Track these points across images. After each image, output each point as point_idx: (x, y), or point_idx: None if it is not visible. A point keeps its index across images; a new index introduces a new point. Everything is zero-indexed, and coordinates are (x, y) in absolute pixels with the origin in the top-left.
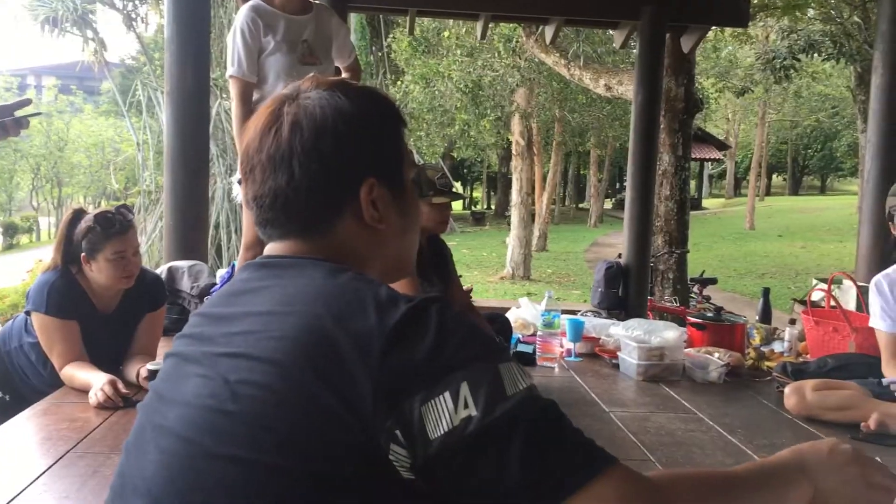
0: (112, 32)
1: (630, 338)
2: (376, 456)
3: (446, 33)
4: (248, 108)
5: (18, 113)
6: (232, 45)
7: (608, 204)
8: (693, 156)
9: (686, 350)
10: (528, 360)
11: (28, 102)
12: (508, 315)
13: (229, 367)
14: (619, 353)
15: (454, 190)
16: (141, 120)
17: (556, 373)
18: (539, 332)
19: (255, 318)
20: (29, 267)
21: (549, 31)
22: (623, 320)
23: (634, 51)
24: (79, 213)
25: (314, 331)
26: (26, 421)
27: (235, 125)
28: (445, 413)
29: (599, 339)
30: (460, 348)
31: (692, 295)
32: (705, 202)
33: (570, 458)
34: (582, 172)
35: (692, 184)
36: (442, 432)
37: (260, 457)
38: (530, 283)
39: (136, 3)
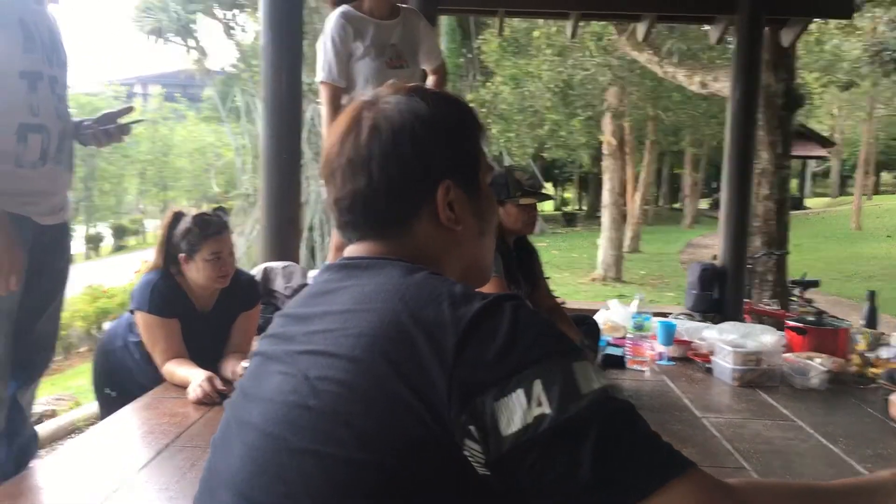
0: (212, 41)
1: (725, 342)
2: (451, 451)
3: (536, 33)
4: (337, 113)
5: (122, 120)
6: (322, 51)
7: (704, 204)
8: (795, 154)
9: (785, 355)
10: (618, 362)
11: (131, 110)
12: (597, 317)
13: (309, 364)
14: (712, 358)
15: (542, 191)
16: (239, 125)
17: (647, 376)
18: (629, 335)
19: (334, 316)
20: (136, 267)
21: (641, 29)
22: (718, 324)
23: (731, 46)
24: (178, 216)
25: (390, 327)
26: (130, 415)
27: (326, 129)
28: (518, 410)
29: (692, 342)
30: (534, 345)
31: (793, 298)
32: (808, 202)
33: (645, 460)
34: (676, 172)
35: (794, 183)
36: (515, 429)
37: (338, 451)
38: (622, 284)
39: (235, 11)
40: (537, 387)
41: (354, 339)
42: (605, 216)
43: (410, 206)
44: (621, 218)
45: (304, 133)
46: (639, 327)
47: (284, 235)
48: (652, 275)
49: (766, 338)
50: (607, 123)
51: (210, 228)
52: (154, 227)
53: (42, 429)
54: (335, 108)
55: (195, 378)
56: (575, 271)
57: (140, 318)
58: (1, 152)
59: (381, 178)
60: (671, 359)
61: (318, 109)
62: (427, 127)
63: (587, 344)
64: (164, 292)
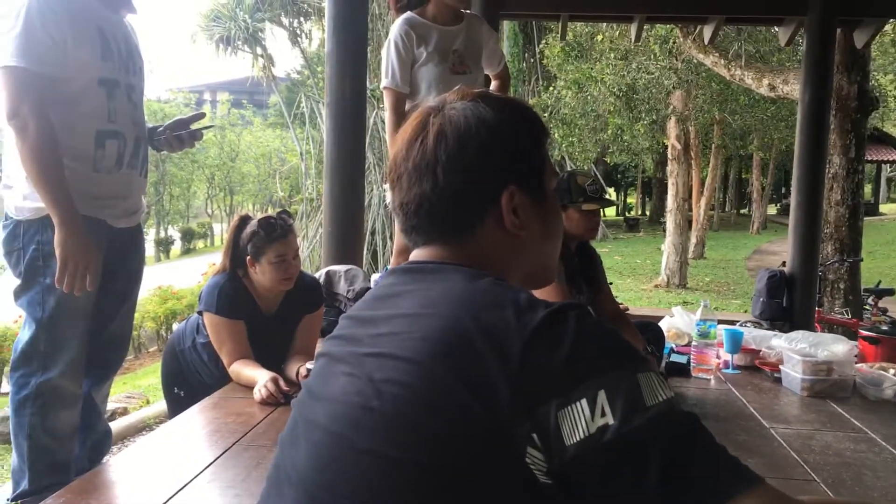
0: (279, 48)
1: (794, 350)
2: (513, 458)
3: (599, 37)
4: (401, 118)
5: (194, 126)
6: (386, 57)
7: (772, 209)
8: (869, 158)
9: (857, 365)
10: (683, 370)
11: (202, 116)
12: (661, 324)
13: (374, 366)
14: (781, 367)
15: (605, 196)
16: (304, 131)
17: (712, 385)
18: (694, 343)
19: (399, 320)
20: (203, 270)
21: (707, 31)
22: (786, 332)
23: (801, 48)
24: (245, 219)
25: (454, 332)
26: (197, 414)
27: (389, 135)
28: (582, 420)
29: (760, 350)
30: (598, 355)
31: (866, 307)
32: (883, 207)
33: (711, 473)
34: (744, 176)
35: (868, 188)
36: (578, 439)
37: (400, 453)
38: (686, 291)
39: (301, 20)
40: (601, 397)
41: (419, 343)
42: (670, 221)
43: (475, 211)
44: (686, 223)
45: (367, 138)
46: (704, 335)
47: (347, 240)
48: (717, 281)
49: (837, 347)
50: (672, 127)
51: (275, 232)
52: (221, 231)
53: (114, 426)
54: (399, 113)
55: (260, 378)
56: (638, 277)
57: (208, 320)
58: (79, 157)
59: (446, 183)
60: (737, 367)
61: (381, 115)
62: (492, 133)
63: (651, 351)
64: (231, 294)
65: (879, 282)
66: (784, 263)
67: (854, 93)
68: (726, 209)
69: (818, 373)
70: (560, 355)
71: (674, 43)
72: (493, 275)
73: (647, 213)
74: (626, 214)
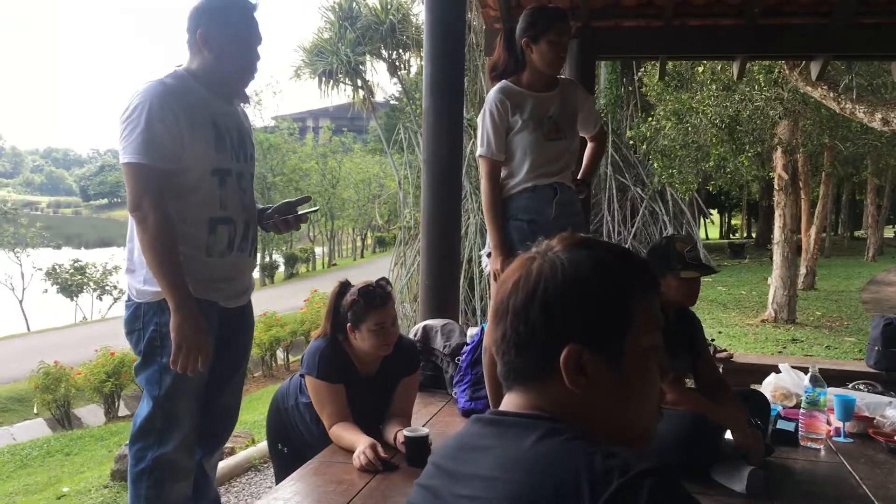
0: (379, 79)
1: None
2: None
3: (700, 68)
4: (496, 186)
5: (300, 209)
6: (481, 125)
7: (889, 232)
8: None
9: None
10: (790, 439)
11: (308, 199)
12: (767, 381)
13: None
14: None
15: (704, 263)
16: (402, 157)
17: (822, 456)
18: (802, 409)
19: (479, 482)
20: (306, 296)
21: (814, 68)
22: None
23: None
24: (345, 286)
25: (528, 501)
26: (300, 480)
27: (485, 203)
28: None
29: (874, 419)
30: None
31: None
32: None
33: None
34: (858, 198)
35: None
36: None
37: None
38: (795, 327)
39: (400, 51)
40: None
41: None
42: (777, 254)
43: (541, 365)
44: (795, 255)
45: (464, 167)
46: (813, 403)
47: (444, 293)
48: (829, 316)
49: None
50: (778, 157)
51: (375, 300)
52: (322, 254)
53: (221, 465)
54: (494, 181)
55: (360, 444)
56: (743, 310)
57: (309, 383)
58: (193, 243)
59: (511, 334)
60: (849, 435)
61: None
62: (562, 290)
63: (756, 424)
64: (331, 359)
65: None
66: None
67: None
68: (839, 232)
69: None
70: None
71: (779, 72)
72: (574, 429)
73: (753, 235)
74: (731, 237)
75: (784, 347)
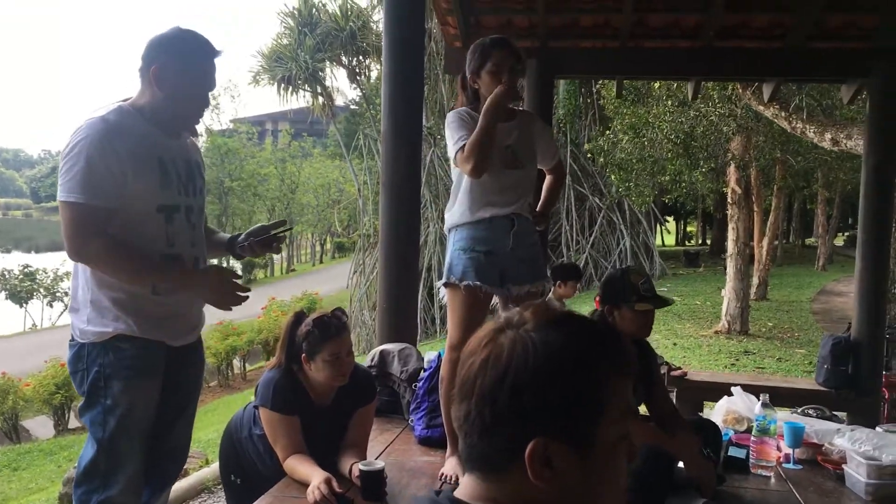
0: (338, 84)
1: (858, 452)
2: None
3: (656, 84)
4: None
5: (274, 232)
6: (449, 129)
7: (839, 240)
8: None
9: None
10: (742, 467)
11: (283, 223)
12: (720, 405)
13: None
14: (844, 466)
15: (658, 294)
16: (362, 163)
17: (772, 484)
18: (753, 437)
19: None
20: (263, 303)
21: (767, 89)
22: (853, 400)
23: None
24: (300, 316)
25: None
26: None
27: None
28: None
29: (823, 445)
30: None
31: None
32: None
33: None
34: (809, 207)
35: None
36: None
37: None
38: (748, 338)
39: (361, 58)
40: None
41: None
42: (730, 266)
43: (505, 454)
44: (747, 268)
45: (423, 176)
46: (763, 430)
47: (401, 317)
48: (780, 327)
49: None
50: (732, 172)
51: (330, 331)
52: (281, 260)
53: (173, 486)
54: (477, 157)
55: (314, 478)
56: (698, 321)
57: (263, 415)
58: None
59: (476, 418)
60: (798, 461)
61: (437, 152)
62: (533, 377)
63: (709, 454)
64: (286, 390)
65: None
66: (849, 326)
67: None
68: (791, 240)
69: (883, 477)
70: None
71: (732, 90)
72: None
73: (709, 241)
74: (686, 244)
75: (737, 360)
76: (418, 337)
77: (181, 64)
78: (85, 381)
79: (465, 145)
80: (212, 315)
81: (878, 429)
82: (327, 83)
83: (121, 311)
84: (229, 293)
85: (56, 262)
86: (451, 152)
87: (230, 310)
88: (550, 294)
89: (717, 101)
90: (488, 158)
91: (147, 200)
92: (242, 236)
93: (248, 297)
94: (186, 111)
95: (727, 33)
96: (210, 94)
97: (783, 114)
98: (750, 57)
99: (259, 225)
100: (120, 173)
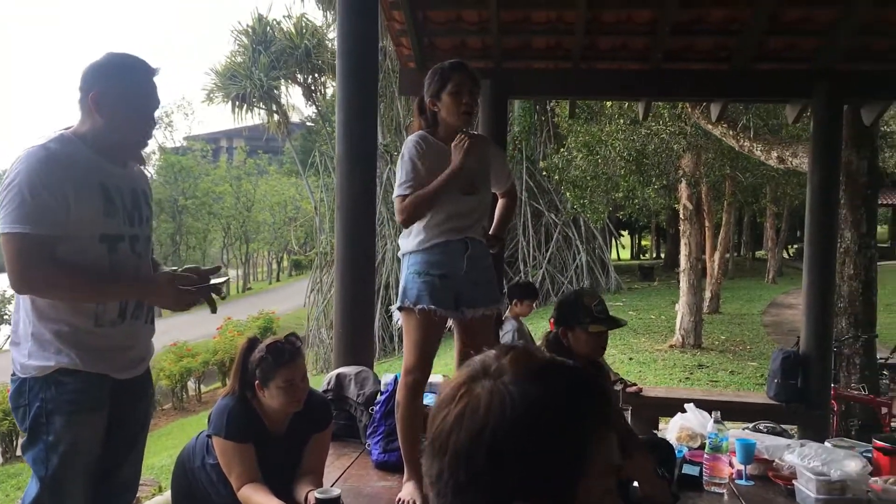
0: (294, 99)
1: (807, 468)
2: None
3: (608, 103)
4: (413, 214)
5: (213, 279)
6: (401, 167)
7: (788, 252)
8: (884, 202)
9: (872, 481)
10: (695, 483)
11: (218, 269)
12: (674, 421)
13: None
14: (794, 482)
15: (612, 316)
16: (319, 179)
17: (725, 500)
18: (706, 454)
19: None
20: (218, 323)
21: (714, 109)
22: (803, 413)
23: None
24: (253, 342)
25: None
26: None
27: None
28: None
29: (773, 461)
30: None
31: (883, 379)
32: None
33: None
34: (759, 220)
35: (884, 229)
36: None
37: None
38: (701, 351)
39: (316, 75)
40: None
41: None
42: (683, 281)
43: None
44: (700, 282)
45: (379, 193)
46: (716, 448)
47: (358, 340)
48: (733, 340)
49: (850, 465)
50: (683, 189)
51: (283, 357)
52: (237, 278)
53: None
54: (410, 215)
55: None
56: (653, 335)
57: (217, 443)
58: (80, 312)
59: (450, 478)
60: (750, 477)
61: (394, 170)
62: (514, 436)
63: (662, 473)
64: (240, 417)
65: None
66: (798, 341)
67: (864, 168)
68: (741, 252)
69: (832, 492)
70: None
71: (682, 108)
72: None
73: (663, 255)
74: (641, 258)
75: (691, 373)
76: (376, 355)
77: (119, 88)
78: (27, 417)
79: (408, 196)
80: (167, 336)
81: (826, 443)
82: (282, 101)
83: (63, 345)
84: (182, 294)
85: (2, 286)
86: (396, 190)
87: (187, 307)
88: (507, 312)
89: (667, 119)
90: (420, 218)
91: (90, 229)
92: (179, 273)
93: (198, 293)
94: (130, 135)
95: (674, 56)
96: (154, 113)
97: (731, 132)
98: (697, 78)
99: (193, 266)
100: (62, 201)
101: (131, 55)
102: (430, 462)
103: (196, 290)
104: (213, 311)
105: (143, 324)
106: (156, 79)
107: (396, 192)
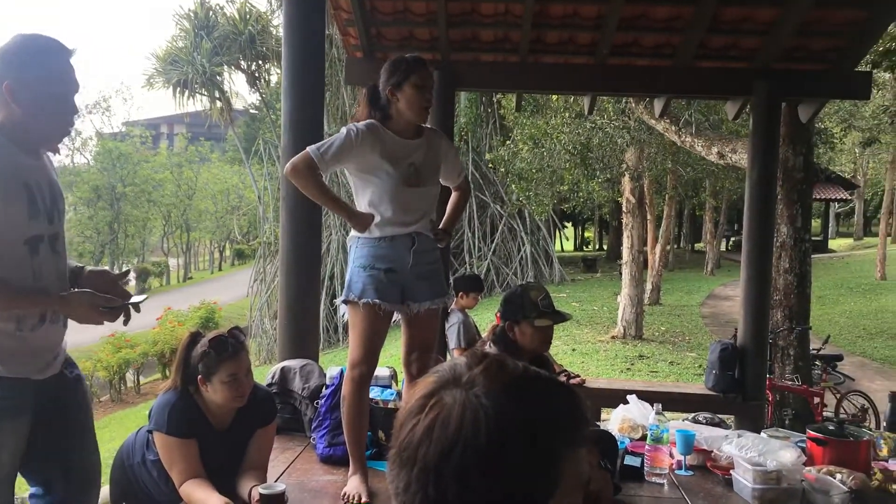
0: (237, 86)
1: (744, 459)
2: None
3: (554, 97)
4: (302, 180)
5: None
6: (335, 137)
7: (725, 246)
8: (818, 196)
9: (805, 471)
10: (637, 474)
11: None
12: (616, 413)
13: None
14: (732, 472)
15: (558, 310)
16: (262, 168)
17: (666, 491)
18: (647, 446)
19: None
20: (159, 314)
21: (657, 104)
22: (740, 404)
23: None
24: (195, 337)
25: None
26: None
27: (313, 195)
28: None
29: (712, 452)
30: None
31: (815, 370)
32: (832, 243)
33: None
34: (698, 213)
35: (817, 223)
36: None
37: None
38: (642, 342)
39: (260, 62)
40: None
41: None
42: (625, 273)
43: None
44: (641, 275)
45: (326, 178)
46: (657, 439)
47: (302, 333)
48: (672, 331)
49: (785, 455)
50: (626, 182)
51: (226, 351)
52: (177, 267)
53: None
54: (303, 177)
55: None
56: (595, 327)
57: (158, 439)
58: (2, 317)
59: (418, 492)
60: (690, 468)
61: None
62: (485, 455)
63: (605, 465)
64: (182, 413)
65: (829, 337)
66: (735, 333)
67: (800, 164)
68: (681, 244)
69: (768, 482)
70: None
71: (626, 103)
72: None
73: (605, 247)
74: (584, 249)
75: (632, 364)
76: (321, 346)
77: (34, 70)
78: None
79: (315, 163)
80: (104, 326)
81: (762, 434)
82: (225, 87)
83: None
84: (94, 317)
85: None
86: (313, 146)
87: (101, 323)
88: (453, 304)
89: (612, 114)
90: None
91: (14, 234)
92: (86, 272)
93: (120, 311)
94: (51, 124)
95: (620, 51)
96: (75, 98)
97: (673, 128)
98: (641, 74)
99: (102, 269)
100: None
101: (44, 36)
102: (398, 473)
103: (115, 309)
104: (126, 323)
105: (59, 327)
106: (72, 60)
107: (313, 147)
